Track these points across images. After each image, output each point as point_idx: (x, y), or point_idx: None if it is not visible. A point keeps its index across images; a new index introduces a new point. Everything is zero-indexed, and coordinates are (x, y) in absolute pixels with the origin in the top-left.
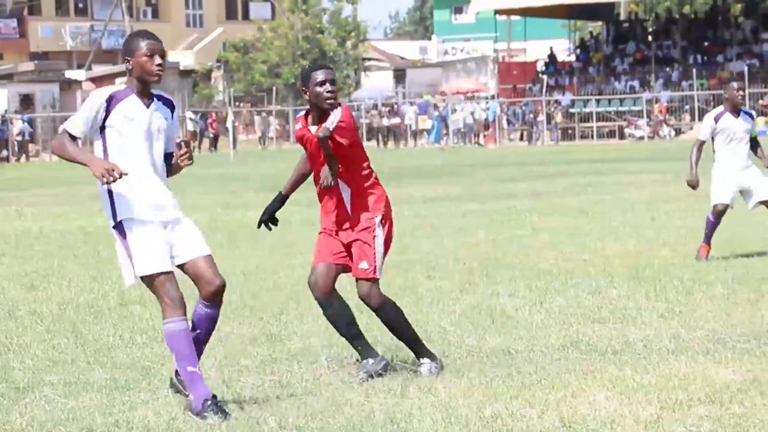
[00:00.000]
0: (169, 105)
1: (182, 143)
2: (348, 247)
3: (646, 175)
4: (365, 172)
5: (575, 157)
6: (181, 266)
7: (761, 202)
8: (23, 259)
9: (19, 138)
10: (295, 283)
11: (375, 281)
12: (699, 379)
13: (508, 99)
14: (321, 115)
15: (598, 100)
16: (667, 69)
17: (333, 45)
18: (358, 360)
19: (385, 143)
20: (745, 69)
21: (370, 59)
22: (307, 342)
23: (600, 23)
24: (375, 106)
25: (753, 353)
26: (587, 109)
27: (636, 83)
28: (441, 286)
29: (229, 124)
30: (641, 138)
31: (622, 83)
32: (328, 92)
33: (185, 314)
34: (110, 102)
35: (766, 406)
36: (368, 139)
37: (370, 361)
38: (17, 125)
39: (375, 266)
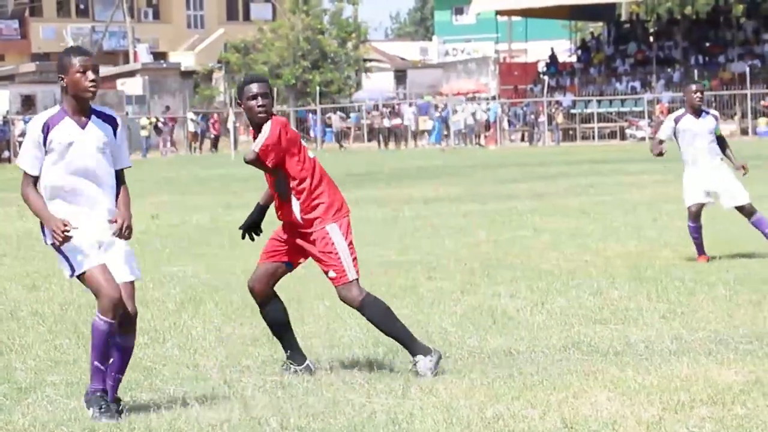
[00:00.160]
0: (110, 121)
1: (115, 219)
2: (295, 250)
3: (647, 176)
4: (312, 180)
5: (576, 158)
6: None
7: (736, 208)
8: (24, 259)
9: (21, 139)
10: (295, 284)
11: (349, 283)
12: (701, 380)
13: (509, 100)
14: (258, 128)
15: (599, 101)
16: (669, 70)
17: (334, 46)
18: (283, 362)
19: (386, 144)
20: (747, 70)
21: (370, 60)
22: (308, 343)
23: (601, 24)
24: (376, 107)
25: (755, 354)
26: (588, 110)
27: (637, 84)
28: (442, 286)
29: (230, 125)
30: (642, 139)
31: (623, 84)
32: (259, 106)
33: (116, 317)
34: (46, 130)
35: None
36: (369, 140)
37: (292, 368)
38: (19, 126)
39: (342, 271)
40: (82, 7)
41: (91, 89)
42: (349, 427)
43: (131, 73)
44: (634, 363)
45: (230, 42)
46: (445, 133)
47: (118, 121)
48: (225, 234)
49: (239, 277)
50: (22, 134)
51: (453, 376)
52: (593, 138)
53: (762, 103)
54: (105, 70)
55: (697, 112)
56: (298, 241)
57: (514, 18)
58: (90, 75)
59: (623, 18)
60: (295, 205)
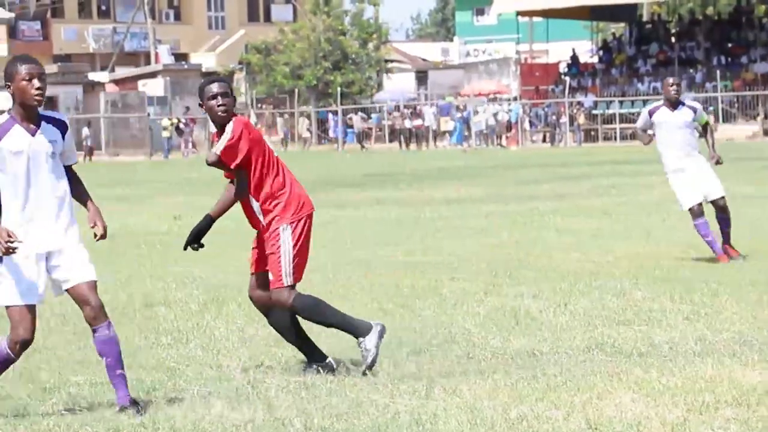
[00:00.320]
0: (59, 125)
1: (94, 224)
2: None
3: None
4: (275, 180)
5: (598, 159)
6: (68, 290)
7: (710, 201)
8: None
9: None
10: (316, 284)
11: (282, 289)
12: (725, 382)
13: (530, 100)
14: (221, 129)
15: (621, 102)
16: (691, 70)
17: (355, 47)
18: (306, 364)
19: (407, 145)
20: None
21: (392, 61)
22: (331, 343)
23: (622, 24)
24: (397, 108)
25: None
26: (610, 111)
27: (659, 85)
28: (464, 287)
29: None
30: None
31: (645, 84)
32: (219, 105)
33: (20, 355)
34: None
35: None
36: (390, 141)
37: (313, 366)
38: None
39: (280, 276)
40: (103, 8)
41: (37, 97)
42: (373, 427)
43: (152, 74)
44: (658, 364)
45: (251, 43)
46: (467, 134)
47: (67, 122)
48: (246, 236)
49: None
50: None
51: (476, 377)
52: (615, 139)
53: None
54: (126, 71)
55: (674, 105)
56: (263, 244)
57: (536, 19)
58: (36, 83)
59: (645, 18)
60: (256, 206)
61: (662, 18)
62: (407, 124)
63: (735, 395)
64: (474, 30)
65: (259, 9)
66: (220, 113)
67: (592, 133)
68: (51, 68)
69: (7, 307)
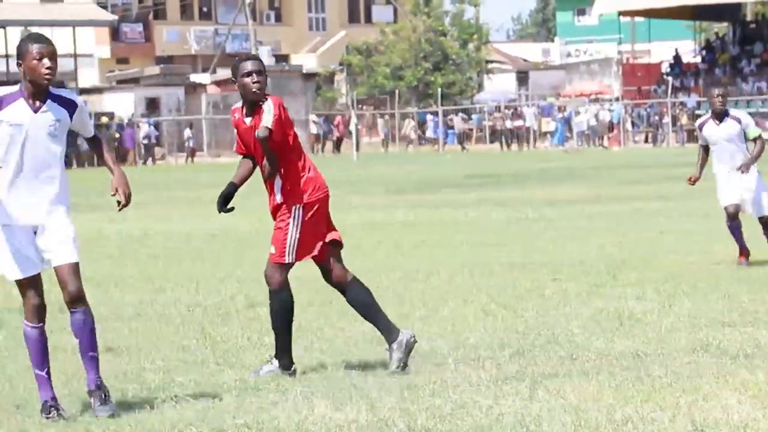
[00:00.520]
0: (67, 104)
1: (116, 190)
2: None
3: None
4: (299, 162)
5: None
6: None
7: (759, 218)
8: (149, 261)
9: (146, 141)
10: (419, 285)
11: (279, 265)
12: None
13: (632, 101)
14: (252, 107)
15: None
16: None
17: (455, 47)
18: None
19: (508, 146)
20: None
21: (492, 62)
22: (433, 344)
23: (726, 24)
24: (498, 109)
25: None
26: None
27: (763, 84)
28: (567, 288)
29: (352, 127)
30: None
31: (749, 84)
32: (254, 83)
33: (42, 321)
34: None
35: None
36: (491, 142)
37: (394, 345)
38: (143, 129)
39: (282, 251)
40: (205, 9)
41: (47, 76)
42: (477, 429)
43: None
44: (764, 366)
45: (352, 44)
46: (568, 134)
47: (78, 102)
48: (349, 234)
49: (364, 277)
50: (147, 137)
51: (580, 379)
52: None
53: None
54: (228, 73)
55: (719, 117)
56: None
57: (637, 18)
58: (46, 62)
59: (748, 18)
60: (278, 184)
61: (766, 17)
62: (508, 124)
63: None
64: (575, 30)
65: (359, 10)
66: (254, 90)
67: (695, 133)
68: (153, 70)
69: (16, 281)
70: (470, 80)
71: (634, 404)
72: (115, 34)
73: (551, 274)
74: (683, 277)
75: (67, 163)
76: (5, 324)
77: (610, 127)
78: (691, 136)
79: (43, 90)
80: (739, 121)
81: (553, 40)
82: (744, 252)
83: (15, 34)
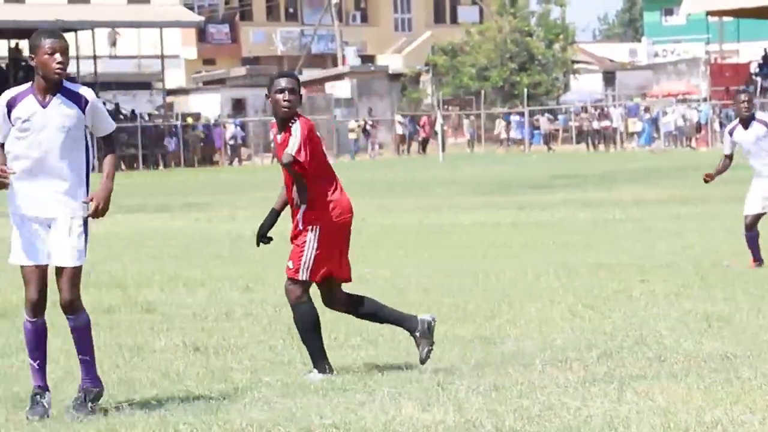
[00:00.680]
0: (76, 99)
1: (91, 199)
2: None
3: None
4: (327, 182)
5: None
6: None
7: None
8: (237, 261)
9: (232, 142)
10: (506, 287)
11: (296, 281)
12: None
13: (720, 101)
14: (282, 124)
15: None
16: None
17: (541, 48)
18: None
19: (594, 146)
20: None
21: (578, 62)
22: (520, 345)
23: None
24: (584, 109)
25: None
26: None
27: None
28: (655, 289)
29: (437, 128)
30: None
31: None
32: (285, 100)
33: (36, 317)
34: (10, 106)
35: None
36: (577, 142)
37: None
38: (229, 129)
39: (297, 268)
40: (291, 10)
41: (58, 71)
42: (564, 430)
43: (339, 77)
44: None
45: (438, 44)
46: (655, 135)
47: (89, 97)
48: (430, 236)
49: (450, 280)
50: (233, 137)
51: (669, 381)
52: None
53: None
54: (313, 74)
55: (746, 122)
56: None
57: (726, 18)
58: (58, 57)
59: None
60: (301, 211)
61: None
62: (594, 125)
63: None
64: (662, 30)
65: (445, 10)
66: (284, 108)
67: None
68: (239, 71)
69: (21, 267)
70: (556, 80)
71: (724, 406)
72: (202, 35)
73: (639, 275)
74: None
75: (154, 164)
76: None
77: (698, 127)
78: None
79: (54, 85)
80: (766, 125)
81: (640, 40)
82: (757, 261)
83: (102, 36)
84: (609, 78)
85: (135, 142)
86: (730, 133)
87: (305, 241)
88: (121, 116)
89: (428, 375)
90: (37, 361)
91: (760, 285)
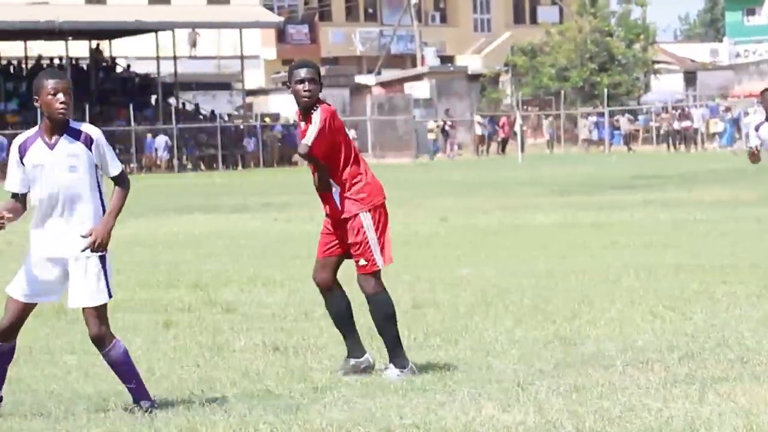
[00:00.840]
0: (83, 138)
1: (90, 233)
2: (344, 241)
3: None
4: (355, 168)
5: None
6: None
7: None
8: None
9: None
10: (585, 287)
11: (371, 274)
12: None
13: None
14: (305, 112)
15: None
16: None
17: (621, 48)
18: (345, 358)
19: (675, 146)
20: None
21: (659, 62)
22: (601, 346)
23: None
24: (665, 109)
25: None
26: None
27: None
28: (737, 291)
29: (517, 128)
30: None
31: None
32: (305, 91)
33: (5, 341)
34: (21, 153)
35: None
36: (658, 143)
37: (351, 361)
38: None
39: (372, 260)
40: (370, 11)
41: (61, 111)
42: None
43: (418, 77)
44: None
45: (517, 45)
46: (736, 135)
47: (94, 136)
48: (510, 236)
49: (529, 280)
50: None
51: (751, 382)
52: None
53: None
54: (392, 74)
55: None
56: (342, 234)
57: None
58: (61, 97)
59: None
60: (336, 194)
61: None
62: (675, 125)
63: None
64: (744, 30)
65: (525, 11)
66: (304, 98)
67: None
68: None
69: (8, 296)
70: (637, 81)
71: None
72: (281, 35)
73: (720, 277)
74: None
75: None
76: (175, 324)
77: None
78: None
79: (60, 125)
80: None
81: (721, 40)
82: None
83: (182, 36)
84: (690, 78)
85: (214, 142)
86: (757, 129)
87: (364, 231)
88: (201, 117)
89: (509, 375)
90: None
91: None
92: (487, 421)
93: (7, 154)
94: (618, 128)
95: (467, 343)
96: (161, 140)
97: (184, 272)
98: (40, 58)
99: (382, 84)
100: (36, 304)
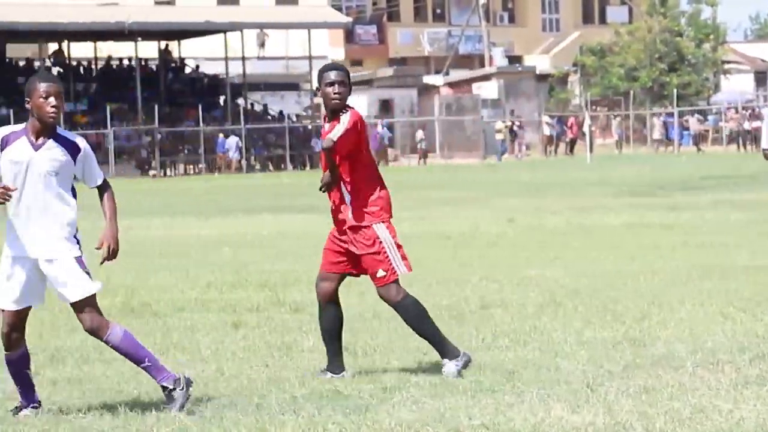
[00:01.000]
0: (69, 146)
1: (101, 245)
2: (351, 254)
3: None
4: (372, 179)
5: None
6: None
7: None
8: None
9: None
10: (655, 288)
11: (392, 284)
12: None
13: None
14: (333, 115)
15: None
16: None
17: (691, 48)
18: (322, 369)
19: (745, 147)
20: None
21: (729, 62)
22: (671, 347)
23: None
24: (735, 110)
25: None
26: None
27: None
28: None
29: (585, 128)
30: None
31: None
32: (335, 93)
33: (10, 350)
34: (3, 145)
35: None
36: (728, 143)
37: (328, 374)
38: (377, 130)
39: (392, 269)
40: (438, 11)
41: (52, 115)
42: None
43: (486, 77)
44: None
45: (586, 45)
46: None
47: (80, 146)
48: (579, 236)
49: (598, 280)
50: (381, 138)
51: None
52: None
53: None
54: (461, 74)
55: None
56: (350, 247)
57: None
58: (52, 101)
59: None
60: (347, 198)
61: None
62: (745, 126)
63: None
64: None
65: (594, 10)
66: (334, 100)
67: None
68: (386, 71)
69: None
70: (706, 81)
71: None
72: (349, 36)
73: None
74: None
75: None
76: (244, 324)
77: None
78: None
79: (48, 128)
80: None
81: None
82: None
83: (251, 37)
84: (760, 78)
85: (282, 142)
86: None
87: (380, 241)
88: (269, 117)
89: (577, 377)
90: (19, 386)
91: None
92: (556, 423)
93: None
94: (687, 129)
95: (536, 343)
96: (233, 141)
97: (252, 272)
98: (109, 58)
99: (450, 84)
100: (30, 307)
